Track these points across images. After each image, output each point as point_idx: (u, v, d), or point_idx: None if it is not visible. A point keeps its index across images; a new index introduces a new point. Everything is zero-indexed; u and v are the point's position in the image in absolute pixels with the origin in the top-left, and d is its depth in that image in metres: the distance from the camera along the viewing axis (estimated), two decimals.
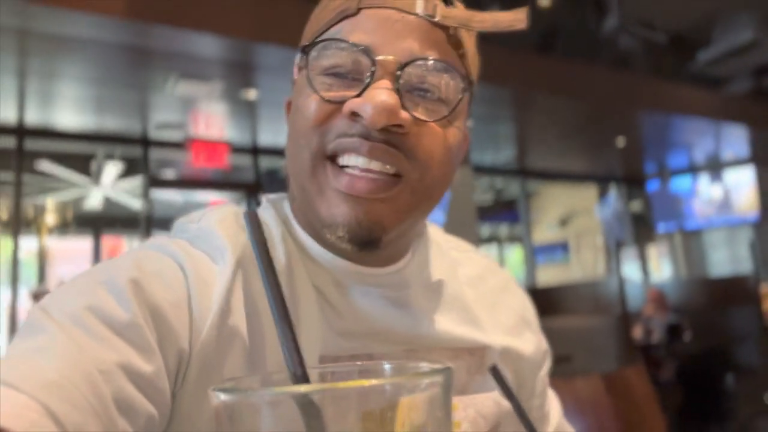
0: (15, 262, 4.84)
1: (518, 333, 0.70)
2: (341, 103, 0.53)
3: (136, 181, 5.79)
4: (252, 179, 6.05)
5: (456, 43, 0.57)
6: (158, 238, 0.58)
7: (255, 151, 6.01)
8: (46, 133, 5.15)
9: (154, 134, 5.48)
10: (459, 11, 0.56)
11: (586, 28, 5.93)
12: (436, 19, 0.55)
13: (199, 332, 0.50)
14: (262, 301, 0.54)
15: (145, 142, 5.53)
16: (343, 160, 0.54)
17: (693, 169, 8.94)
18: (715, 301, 5.84)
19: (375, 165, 0.53)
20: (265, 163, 6.31)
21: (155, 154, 5.77)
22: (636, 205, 9.25)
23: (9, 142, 4.96)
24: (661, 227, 9.23)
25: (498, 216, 9.78)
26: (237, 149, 5.88)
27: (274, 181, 6.48)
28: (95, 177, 5.87)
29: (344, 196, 0.53)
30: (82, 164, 5.79)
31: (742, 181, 8.54)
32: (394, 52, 0.53)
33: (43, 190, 5.98)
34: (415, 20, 0.54)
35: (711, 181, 8.82)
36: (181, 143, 5.58)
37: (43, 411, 0.38)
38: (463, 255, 0.73)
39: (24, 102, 4.52)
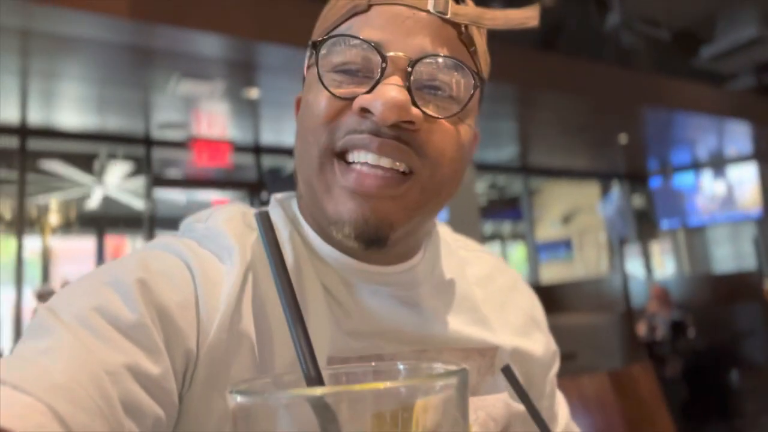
0: (19, 262, 4.85)
1: (527, 333, 0.69)
2: (351, 99, 0.53)
3: (138, 181, 5.81)
4: (254, 178, 6.06)
5: (467, 41, 0.56)
6: (165, 238, 0.58)
7: (257, 150, 6.02)
8: (48, 132, 5.17)
9: (157, 134, 5.49)
10: (470, 8, 0.56)
11: (588, 25, 5.92)
12: (447, 16, 0.54)
13: (207, 333, 0.50)
14: (270, 302, 0.53)
15: (148, 142, 5.54)
16: (353, 156, 0.53)
17: (696, 166, 8.93)
18: (719, 297, 5.83)
19: (385, 161, 0.52)
20: (268, 161, 6.32)
21: (158, 153, 5.79)
22: (639, 202, 9.24)
23: (12, 141, 4.97)
24: (665, 224, 9.23)
25: (501, 213, 9.78)
26: (239, 148, 5.89)
27: (277, 180, 6.49)
28: (98, 176, 5.88)
29: (352, 194, 0.52)
30: (85, 164, 5.81)
31: (745, 177, 8.53)
32: (404, 48, 0.53)
33: (46, 189, 6.00)
34: (426, 17, 0.54)
35: (714, 178, 8.81)
36: (184, 142, 5.60)
37: (49, 413, 0.38)
38: (471, 254, 0.72)
39: (26, 102, 4.53)
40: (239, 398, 0.29)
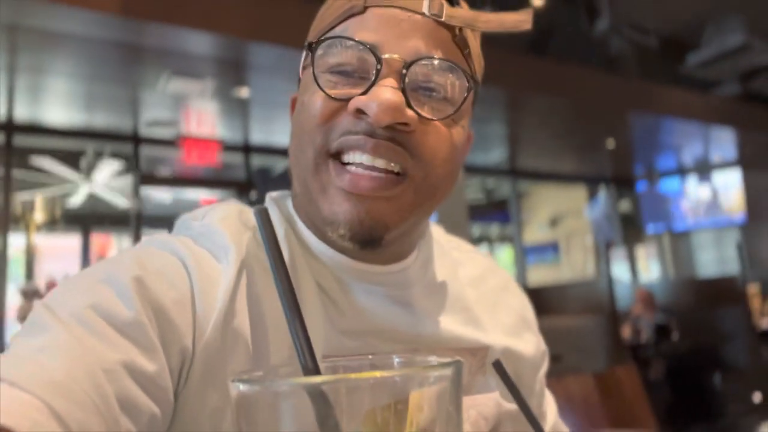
0: (3, 259, 4.79)
1: (518, 333, 0.70)
2: (347, 100, 0.53)
3: (126, 179, 5.76)
4: (243, 177, 6.03)
5: (461, 43, 0.57)
6: (161, 235, 0.58)
7: (246, 149, 6.00)
8: (35, 129, 5.11)
9: (145, 131, 5.44)
10: (465, 11, 0.56)
11: (577, 30, 5.96)
12: (442, 19, 0.55)
13: (203, 331, 0.50)
14: (265, 301, 0.54)
15: (136, 140, 5.50)
16: (348, 157, 0.54)
17: (682, 171, 9.02)
18: (703, 301, 5.89)
19: (379, 162, 0.53)
20: (257, 161, 6.29)
21: (146, 151, 5.74)
22: (625, 206, 9.31)
23: None
24: (650, 228, 9.31)
25: (489, 216, 9.81)
26: (228, 147, 5.86)
27: (266, 180, 6.47)
28: (86, 173, 5.82)
29: (346, 194, 0.53)
30: (72, 161, 5.74)
31: (729, 183, 8.64)
32: (400, 50, 0.53)
33: (32, 186, 5.93)
34: (421, 19, 0.54)
35: (699, 183, 8.91)
36: (173, 141, 5.56)
37: (46, 410, 0.38)
38: (464, 255, 0.73)
39: (13, 97, 4.48)
40: (241, 387, 0.29)
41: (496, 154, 7.40)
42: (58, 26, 3.44)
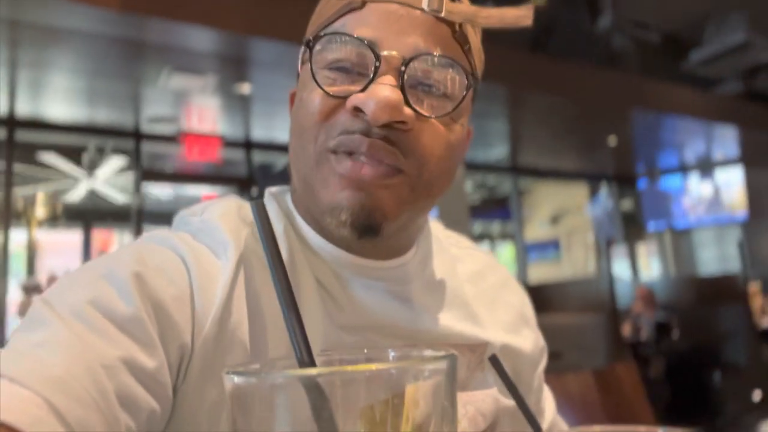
0: (5, 255, 4.80)
1: (517, 330, 0.70)
2: (345, 97, 0.53)
3: (128, 175, 5.76)
4: (244, 173, 6.03)
5: (461, 39, 0.56)
6: (160, 231, 0.58)
7: (248, 145, 6.00)
8: (37, 124, 5.11)
9: (147, 127, 5.44)
10: (465, 6, 0.56)
11: (579, 28, 5.95)
12: (442, 15, 0.54)
13: (202, 327, 0.50)
14: (264, 297, 0.54)
15: (138, 135, 5.50)
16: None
17: (683, 169, 9.01)
18: (704, 299, 5.89)
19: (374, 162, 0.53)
20: (258, 157, 6.29)
21: (147, 147, 5.74)
22: (626, 204, 9.31)
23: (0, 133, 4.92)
24: (651, 226, 9.30)
25: (490, 213, 9.80)
26: (230, 143, 5.86)
27: (267, 176, 6.47)
28: (87, 169, 5.83)
29: (349, 181, 0.53)
30: (74, 156, 5.75)
31: (731, 180, 8.63)
32: (398, 47, 0.53)
33: (33, 181, 5.93)
34: (420, 15, 0.54)
35: (701, 181, 8.90)
36: (174, 137, 5.56)
37: (46, 406, 0.38)
38: (463, 251, 0.73)
39: (15, 93, 4.48)
40: (236, 379, 0.29)
41: (497, 151, 7.39)
42: (60, 22, 3.44)
